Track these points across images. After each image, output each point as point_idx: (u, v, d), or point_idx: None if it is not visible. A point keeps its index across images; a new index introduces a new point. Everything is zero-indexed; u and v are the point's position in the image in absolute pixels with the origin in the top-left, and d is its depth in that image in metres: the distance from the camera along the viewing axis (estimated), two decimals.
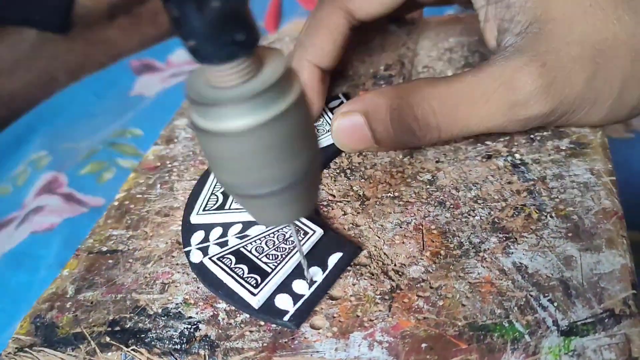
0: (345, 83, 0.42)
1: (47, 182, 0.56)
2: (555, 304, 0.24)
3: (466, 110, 0.31)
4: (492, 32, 0.33)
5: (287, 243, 0.29)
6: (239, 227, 0.32)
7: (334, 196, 0.33)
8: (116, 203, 0.37)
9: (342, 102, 0.39)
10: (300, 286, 0.27)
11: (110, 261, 0.32)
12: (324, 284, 0.27)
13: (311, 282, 0.27)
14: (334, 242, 0.29)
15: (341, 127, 0.33)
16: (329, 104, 0.40)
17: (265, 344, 0.26)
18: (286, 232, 0.30)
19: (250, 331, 0.26)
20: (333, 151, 0.35)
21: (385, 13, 0.38)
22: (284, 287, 0.28)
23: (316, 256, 0.29)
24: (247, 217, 0.32)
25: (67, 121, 0.66)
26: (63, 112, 0.67)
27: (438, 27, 0.45)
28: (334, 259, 0.28)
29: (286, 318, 0.26)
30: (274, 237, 0.30)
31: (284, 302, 0.27)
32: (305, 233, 0.29)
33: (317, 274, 0.28)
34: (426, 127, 0.32)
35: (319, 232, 0.29)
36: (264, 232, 0.31)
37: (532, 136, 0.33)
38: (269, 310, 0.27)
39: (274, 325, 0.26)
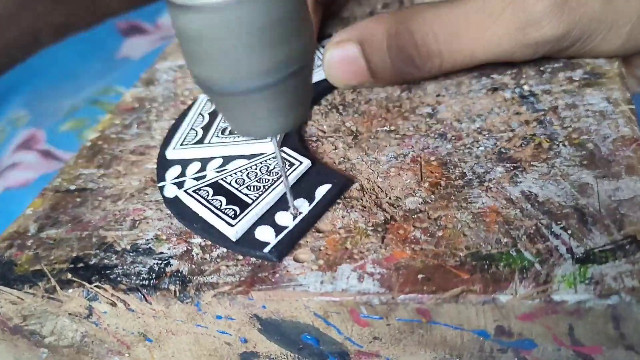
0: (340, 24, 0.39)
1: (25, 139, 0.53)
2: (570, 232, 0.21)
3: (471, 35, 0.28)
4: None
5: (271, 175, 0.27)
6: (219, 161, 0.29)
7: (324, 131, 0.30)
8: (88, 144, 0.34)
9: None
10: (284, 218, 0.25)
11: (78, 199, 0.29)
12: (310, 216, 0.25)
13: (296, 214, 0.25)
14: (322, 173, 0.26)
15: (334, 58, 0.30)
16: (321, 42, 0.37)
17: (242, 279, 0.23)
18: (270, 164, 0.27)
19: (227, 265, 0.24)
20: (324, 87, 0.32)
21: None
22: (266, 219, 0.25)
23: (303, 188, 0.26)
24: (228, 151, 0.29)
25: (49, 81, 0.63)
26: (45, 72, 0.64)
27: None
28: (322, 190, 0.25)
29: (266, 250, 0.23)
30: (256, 168, 0.27)
31: (265, 234, 0.24)
32: (292, 164, 0.27)
33: (303, 206, 0.25)
34: (427, 54, 0.29)
35: (307, 162, 0.27)
36: (245, 165, 0.28)
37: (541, 68, 0.30)
38: (247, 242, 0.24)
39: (253, 259, 0.24)
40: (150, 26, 0.73)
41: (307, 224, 0.24)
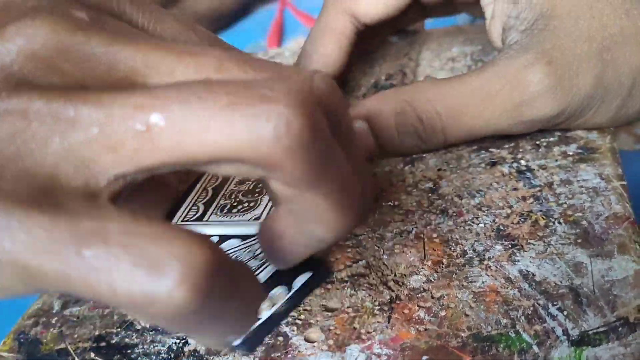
0: (345, 94, 0.41)
1: None
2: (565, 313, 0.23)
3: (471, 112, 0.30)
4: (498, 30, 0.32)
5: (257, 260, 0.28)
6: (214, 239, 0.30)
7: None
8: None
9: None
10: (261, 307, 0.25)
11: None
12: (287, 307, 0.25)
13: (270, 306, 0.25)
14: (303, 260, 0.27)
15: None
16: None
17: (257, 359, 0.24)
18: (257, 248, 0.28)
19: None
20: None
21: (390, 16, 0.37)
22: None
23: (283, 273, 0.26)
24: (225, 230, 0.30)
25: None
26: None
27: (440, 38, 0.44)
28: (301, 279, 0.26)
29: (236, 343, 0.23)
30: (246, 251, 0.28)
31: None
32: None
33: (280, 295, 0.25)
34: (432, 131, 0.31)
35: None
36: (237, 246, 0.29)
37: (537, 142, 0.31)
38: None
39: (266, 339, 0.25)
40: None
41: (281, 314, 0.25)
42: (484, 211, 0.28)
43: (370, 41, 0.42)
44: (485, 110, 0.30)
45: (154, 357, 0.25)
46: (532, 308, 0.23)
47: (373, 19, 0.37)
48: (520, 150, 0.31)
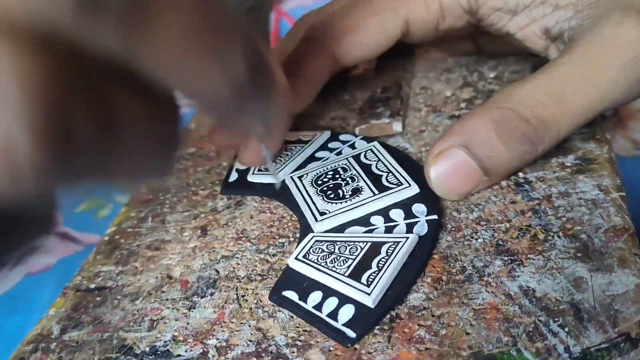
0: (340, 107, 0.41)
1: None
2: (566, 329, 0.22)
3: (582, 89, 0.27)
4: (535, 33, 0.32)
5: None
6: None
7: None
8: (106, 238, 0.36)
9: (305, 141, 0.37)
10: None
11: (98, 298, 0.31)
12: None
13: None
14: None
15: (440, 172, 0.28)
16: (334, 136, 0.38)
17: None
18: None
19: None
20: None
21: (370, 58, 0.37)
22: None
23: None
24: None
25: None
26: None
27: (435, 49, 0.44)
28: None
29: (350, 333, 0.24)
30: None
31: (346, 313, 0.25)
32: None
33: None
34: (542, 125, 0.27)
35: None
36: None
37: None
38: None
39: None
40: None
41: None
42: (482, 225, 0.28)
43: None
44: (598, 81, 0.27)
45: None
46: (533, 325, 0.23)
47: (351, 62, 0.37)
48: None
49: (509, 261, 0.26)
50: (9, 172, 0.14)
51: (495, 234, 0.27)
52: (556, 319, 0.23)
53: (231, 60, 0.19)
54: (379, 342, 0.24)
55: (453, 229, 0.28)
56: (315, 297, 0.26)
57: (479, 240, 0.27)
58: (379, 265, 0.26)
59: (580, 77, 0.27)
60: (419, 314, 0.25)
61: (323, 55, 0.36)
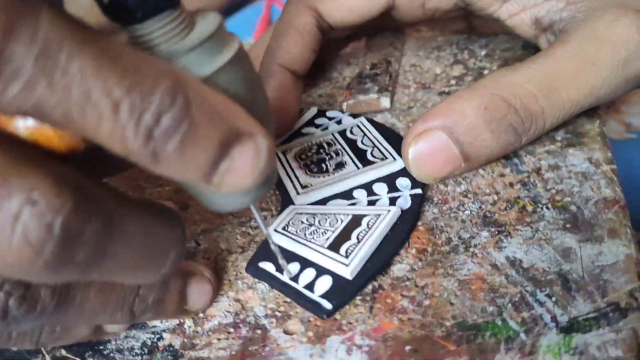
0: (329, 85, 0.40)
1: None
2: (554, 299, 0.22)
3: (572, 84, 0.27)
4: (525, 22, 0.32)
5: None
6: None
7: None
8: None
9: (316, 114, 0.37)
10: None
11: None
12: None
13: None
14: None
15: (419, 153, 0.27)
16: (320, 113, 0.37)
17: (233, 352, 0.23)
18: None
19: (218, 339, 0.24)
20: None
21: (355, 23, 0.36)
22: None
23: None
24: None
25: None
26: None
27: (427, 28, 0.43)
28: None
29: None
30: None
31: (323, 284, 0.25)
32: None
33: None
34: (529, 117, 0.27)
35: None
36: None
37: None
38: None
39: (243, 332, 0.24)
40: None
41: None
42: (470, 198, 0.27)
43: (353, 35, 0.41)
44: (589, 76, 0.27)
45: (128, 353, 0.24)
46: (519, 295, 0.22)
47: (336, 23, 0.36)
48: None
49: (496, 232, 0.25)
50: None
51: (483, 206, 0.27)
52: (543, 289, 0.22)
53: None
54: (360, 312, 0.23)
55: (439, 201, 0.28)
56: (293, 268, 0.25)
57: (466, 212, 0.27)
58: (359, 237, 0.25)
59: (572, 72, 0.27)
60: (403, 284, 0.24)
61: (306, 10, 0.35)
